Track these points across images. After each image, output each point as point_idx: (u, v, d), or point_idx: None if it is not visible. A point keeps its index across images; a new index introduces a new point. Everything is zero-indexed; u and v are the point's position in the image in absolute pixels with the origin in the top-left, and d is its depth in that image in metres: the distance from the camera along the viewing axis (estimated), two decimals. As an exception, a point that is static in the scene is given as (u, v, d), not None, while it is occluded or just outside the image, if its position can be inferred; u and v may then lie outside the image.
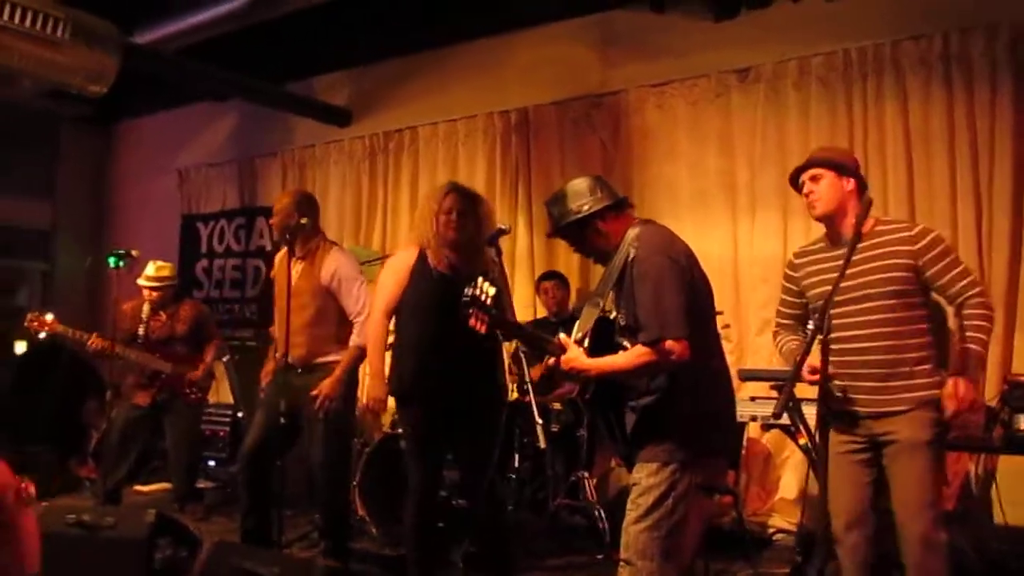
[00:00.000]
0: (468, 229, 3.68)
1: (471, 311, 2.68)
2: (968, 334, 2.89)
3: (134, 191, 9.07)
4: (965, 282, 2.92)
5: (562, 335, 2.75)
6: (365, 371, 6.31)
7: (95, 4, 5.29)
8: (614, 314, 2.73)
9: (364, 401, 3.95)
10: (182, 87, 7.66)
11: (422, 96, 6.87)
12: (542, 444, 2.80)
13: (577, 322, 2.84)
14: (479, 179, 6.41)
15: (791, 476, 5.14)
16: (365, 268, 6.71)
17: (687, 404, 2.68)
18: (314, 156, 7.57)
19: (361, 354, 4.24)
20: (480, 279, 2.71)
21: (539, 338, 2.83)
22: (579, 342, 2.75)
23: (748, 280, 5.38)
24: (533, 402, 2.86)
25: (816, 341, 2.57)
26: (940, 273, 2.92)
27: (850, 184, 3.04)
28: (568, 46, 6.19)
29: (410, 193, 6.92)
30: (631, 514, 2.66)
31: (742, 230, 5.44)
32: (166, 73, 6.76)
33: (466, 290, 2.69)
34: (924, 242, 2.93)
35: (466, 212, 3.69)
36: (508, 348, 4.14)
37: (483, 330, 2.70)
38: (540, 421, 2.81)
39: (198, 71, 6.64)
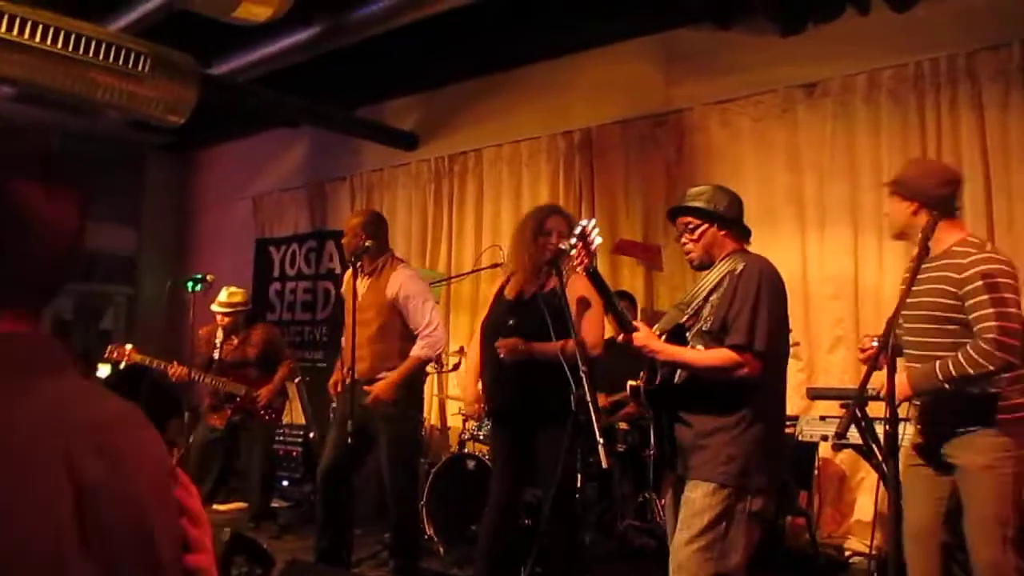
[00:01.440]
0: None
1: (579, 243, 2.82)
2: (950, 356, 2.78)
3: (212, 217, 9.38)
4: (985, 324, 2.74)
5: (636, 322, 2.88)
6: (434, 393, 6.46)
7: (174, 37, 5.52)
8: (696, 325, 2.79)
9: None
10: (256, 115, 7.90)
11: (487, 119, 6.96)
12: (604, 464, 2.80)
13: (660, 322, 2.93)
14: (543, 200, 6.42)
15: (867, 498, 5.00)
16: (431, 289, 6.85)
17: (760, 430, 2.69)
18: (382, 179, 7.73)
19: (421, 364, 4.36)
20: (592, 222, 2.86)
21: (618, 307, 2.90)
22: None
23: (818, 297, 5.28)
24: (595, 421, 2.86)
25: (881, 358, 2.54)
26: (971, 308, 2.79)
27: (911, 206, 2.96)
28: (632, 65, 6.20)
29: (475, 215, 6.99)
30: (682, 534, 2.65)
31: (811, 247, 5.34)
32: (241, 102, 6.99)
33: (580, 223, 2.86)
34: (968, 273, 2.81)
35: (565, 235, 3.72)
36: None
37: (581, 266, 2.86)
38: (602, 440, 2.81)
39: (271, 99, 6.86)
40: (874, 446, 3.79)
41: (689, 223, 2.91)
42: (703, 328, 2.76)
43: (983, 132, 4.77)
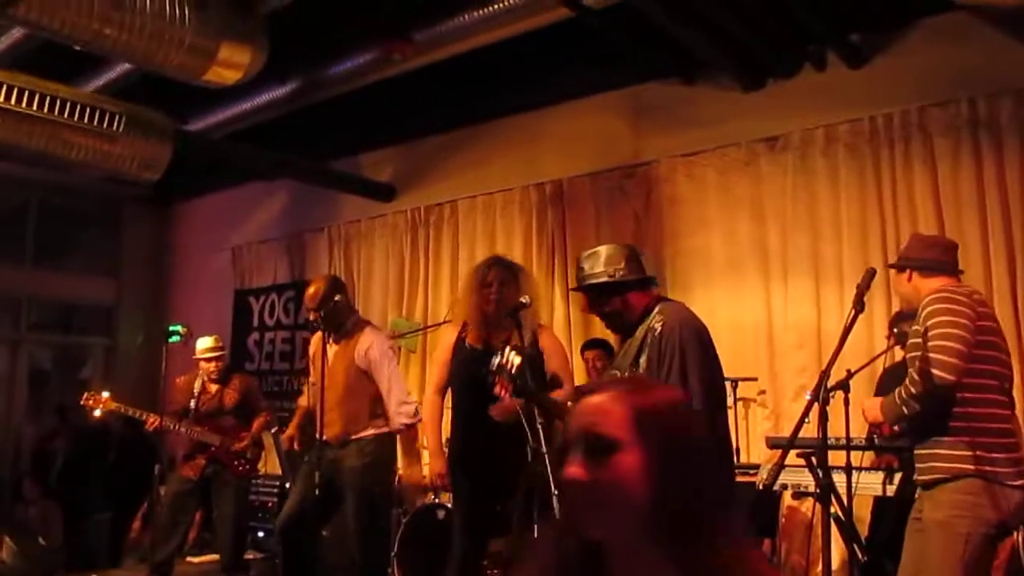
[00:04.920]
0: (508, 301, 3.77)
1: (497, 379, 2.82)
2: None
3: (191, 268, 9.44)
4: (927, 356, 2.84)
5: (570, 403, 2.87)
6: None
7: (150, 94, 5.65)
8: None
9: (428, 478, 4.11)
10: (234, 168, 8.02)
11: (462, 170, 7.08)
12: (558, 515, 2.86)
13: None
14: (516, 250, 6.54)
15: (835, 544, 5.03)
16: (408, 339, 6.91)
17: None
18: (359, 231, 7.82)
19: (393, 436, 4.41)
20: (508, 348, 2.87)
21: (557, 404, 2.95)
22: None
23: (782, 346, 5.37)
24: (550, 472, 2.93)
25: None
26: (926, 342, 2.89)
27: (910, 276, 3.17)
28: (601, 119, 6.36)
29: (450, 265, 7.08)
30: None
31: (775, 296, 5.44)
32: (217, 157, 7.10)
33: (493, 359, 2.84)
34: (922, 315, 2.94)
35: (507, 283, 3.83)
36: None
37: (508, 397, 2.91)
38: (556, 492, 2.86)
39: (246, 154, 6.97)
40: (832, 494, 3.87)
41: (601, 298, 2.93)
42: None
43: (936, 185, 4.92)
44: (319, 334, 4.60)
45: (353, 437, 4.38)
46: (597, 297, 2.95)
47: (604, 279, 2.90)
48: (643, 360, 2.81)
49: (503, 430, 3.62)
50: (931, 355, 2.77)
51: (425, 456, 4.44)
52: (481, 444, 3.80)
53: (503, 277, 3.86)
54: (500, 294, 3.82)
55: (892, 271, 3.40)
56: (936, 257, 3.14)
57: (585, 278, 2.95)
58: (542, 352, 3.89)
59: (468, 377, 3.83)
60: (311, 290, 4.48)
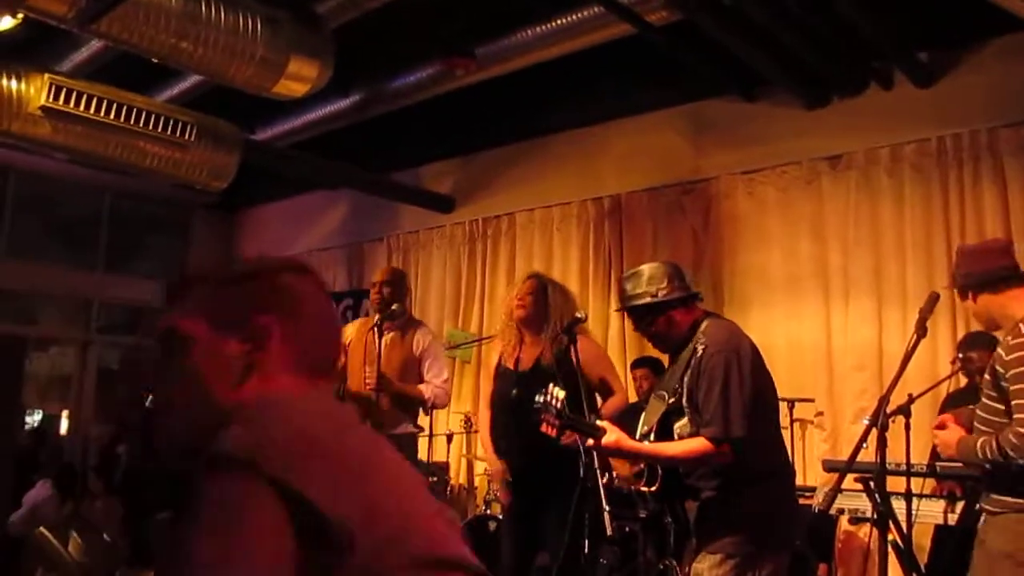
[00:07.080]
0: (538, 309, 3.90)
1: (543, 417, 2.85)
2: (989, 436, 2.62)
3: (254, 274, 9.63)
4: (1018, 416, 2.54)
5: (599, 422, 2.88)
6: (462, 453, 6.52)
7: (219, 104, 5.81)
8: (677, 406, 2.80)
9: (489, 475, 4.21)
10: (297, 177, 8.18)
11: (520, 183, 7.13)
12: (608, 531, 2.86)
13: (643, 415, 2.92)
14: (573, 264, 6.56)
15: (895, 571, 4.92)
16: (463, 350, 6.96)
17: (755, 497, 2.70)
18: (418, 241, 7.91)
19: (421, 400, 4.50)
20: (551, 385, 2.88)
21: (581, 423, 2.94)
22: (644, 436, 2.83)
23: (842, 368, 5.28)
24: (600, 487, 2.93)
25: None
26: (1013, 394, 2.59)
27: (974, 297, 2.86)
28: (661, 135, 6.35)
29: (507, 277, 7.11)
30: None
31: (836, 317, 5.36)
32: (282, 166, 7.26)
33: (537, 397, 2.86)
34: (1005, 356, 2.63)
35: (536, 292, 3.95)
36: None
37: (554, 434, 2.89)
38: (607, 508, 2.87)
39: (310, 164, 7.11)
40: (890, 520, 3.79)
41: (645, 319, 2.89)
42: (686, 408, 2.76)
43: (1006, 206, 4.81)
44: (356, 323, 4.70)
45: (394, 433, 4.40)
46: (641, 318, 2.93)
47: (647, 300, 2.85)
48: (685, 382, 2.76)
49: (546, 448, 3.64)
50: (1013, 437, 2.53)
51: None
52: (521, 463, 3.89)
53: (533, 288, 3.94)
54: (527, 302, 3.91)
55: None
56: (994, 266, 2.84)
57: (628, 299, 2.92)
58: (579, 361, 3.87)
59: (503, 398, 3.96)
60: (383, 267, 4.99)
